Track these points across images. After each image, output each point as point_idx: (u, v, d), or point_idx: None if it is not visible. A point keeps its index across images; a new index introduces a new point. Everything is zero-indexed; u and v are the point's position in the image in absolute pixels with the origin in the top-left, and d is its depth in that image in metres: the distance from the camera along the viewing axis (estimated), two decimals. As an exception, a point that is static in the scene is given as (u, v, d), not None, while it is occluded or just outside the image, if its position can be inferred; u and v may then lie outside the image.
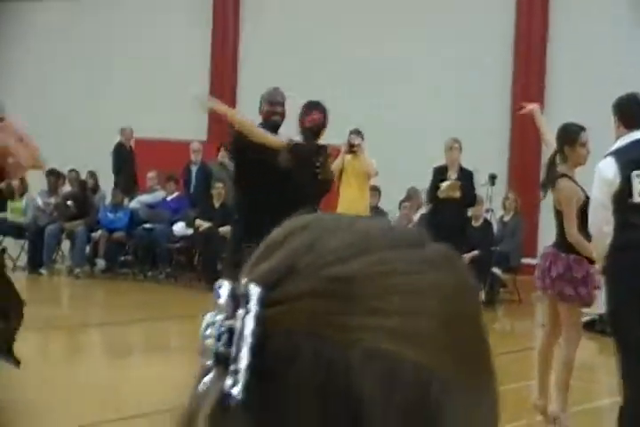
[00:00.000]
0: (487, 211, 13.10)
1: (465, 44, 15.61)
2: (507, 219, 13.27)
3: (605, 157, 5.63)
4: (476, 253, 12.26)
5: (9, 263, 14.15)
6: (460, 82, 15.59)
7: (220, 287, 0.68)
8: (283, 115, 7.12)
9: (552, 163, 6.40)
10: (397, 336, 0.67)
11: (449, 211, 10.90)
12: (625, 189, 5.49)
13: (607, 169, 5.52)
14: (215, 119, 17.70)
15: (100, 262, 13.99)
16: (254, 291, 0.67)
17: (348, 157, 10.66)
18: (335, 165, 9.43)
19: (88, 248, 14.07)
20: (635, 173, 5.49)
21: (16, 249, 14.28)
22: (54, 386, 7.07)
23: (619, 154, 5.57)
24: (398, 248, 0.71)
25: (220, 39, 17.88)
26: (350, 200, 10.33)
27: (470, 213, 12.10)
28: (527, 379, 7.59)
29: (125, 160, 15.66)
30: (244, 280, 0.68)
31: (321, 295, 0.67)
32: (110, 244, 14.00)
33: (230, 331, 0.66)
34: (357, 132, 11.20)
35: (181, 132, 17.18)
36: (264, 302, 0.66)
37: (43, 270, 13.71)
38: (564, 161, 6.33)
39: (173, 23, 17.98)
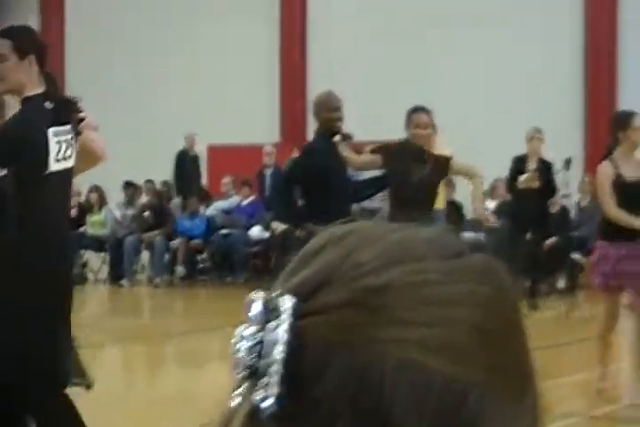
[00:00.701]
0: (564, 196, 12.87)
1: (538, 35, 15.41)
2: (584, 203, 13.02)
3: None
4: (554, 239, 12.07)
5: (90, 277, 14.42)
6: (532, 62, 15.38)
7: (251, 300, 0.68)
8: (342, 120, 6.95)
9: (609, 150, 6.50)
10: (428, 347, 0.67)
11: (529, 201, 10.84)
12: None
13: None
14: (287, 120, 17.78)
15: (180, 270, 14.12)
16: (288, 302, 0.67)
17: None
18: None
19: (167, 257, 14.22)
20: None
21: (97, 262, 14.52)
22: (136, 397, 7.15)
23: None
24: (433, 258, 0.70)
25: (288, 38, 17.88)
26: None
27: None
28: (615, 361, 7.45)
29: (189, 167, 15.72)
30: (277, 291, 0.69)
31: (354, 306, 0.67)
32: (188, 251, 14.13)
33: (262, 343, 0.67)
34: None
35: (253, 135, 17.25)
36: (298, 314, 0.67)
37: (124, 282, 13.90)
38: (617, 145, 6.47)
39: (239, 25, 18.03)
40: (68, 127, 4.42)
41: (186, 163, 15.74)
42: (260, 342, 0.66)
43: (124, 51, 19.23)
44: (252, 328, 0.67)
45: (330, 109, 6.81)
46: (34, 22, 19.46)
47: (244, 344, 0.67)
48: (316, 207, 6.72)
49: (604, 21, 15.14)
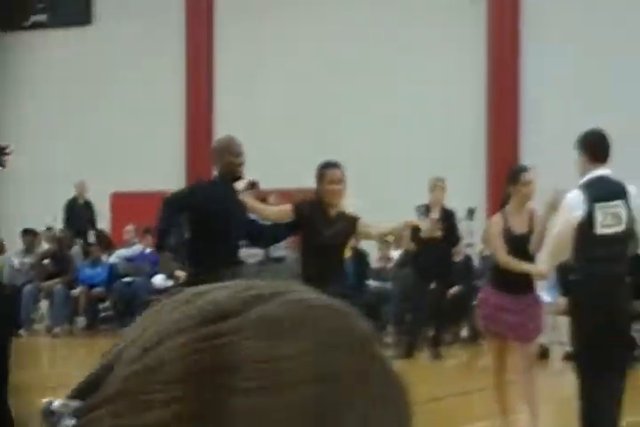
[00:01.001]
0: (467, 245, 13.01)
1: (442, 83, 15.68)
2: (487, 253, 13.15)
3: (575, 189, 6.05)
4: (457, 288, 12.17)
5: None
6: (436, 114, 15.61)
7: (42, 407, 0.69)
8: (243, 165, 6.92)
9: (502, 203, 6.74)
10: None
11: (432, 250, 10.92)
12: (589, 221, 5.91)
13: (573, 201, 5.95)
14: (193, 167, 17.68)
15: (80, 320, 13.83)
16: (66, 406, 0.68)
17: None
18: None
19: (67, 306, 13.93)
20: (597, 205, 5.92)
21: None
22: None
23: (585, 187, 5.98)
24: (198, 328, 0.66)
25: (195, 87, 17.87)
26: None
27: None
28: (516, 412, 7.46)
29: (81, 214, 15.55)
30: (65, 398, 0.69)
31: (121, 397, 0.66)
32: (90, 300, 13.87)
33: None
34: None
35: (159, 183, 17.10)
36: (77, 414, 0.67)
37: (21, 332, 13.53)
38: (508, 199, 6.73)
39: (146, 74, 17.96)
40: None
41: (75, 210, 15.58)
42: None
43: (32, 95, 18.99)
44: None
45: (232, 154, 6.80)
46: None
47: None
48: (199, 250, 6.69)
49: (507, 75, 15.47)
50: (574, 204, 5.91)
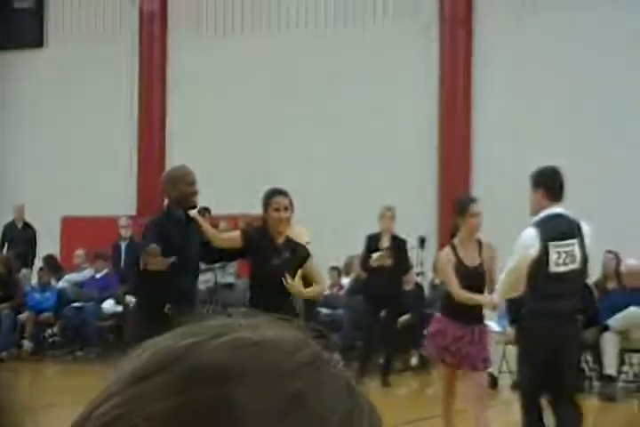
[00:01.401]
0: (418, 274, 13.07)
1: (393, 113, 15.80)
2: (437, 281, 13.24)
3: (529, 227, 6.12)
4: (408, 316, 12.21)
5: None
6: (388, 141, 15.73)
7: None
8: (198, 194, 6.86)
9: (451, 234, 6.75)
10: None
11: (382, 279, 10.98)
12: (543, 259, 5.95)
13: (528, 238, 6.00)
14: (144, 192, 17.62)
15: (27, 345, 13.65)
16: None
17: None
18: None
19: (15, 330, 13.75)
20: (552, 244, 5.94)
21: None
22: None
23: (541, 225, 6.01)
24: (131, 385, 0.67)
25: (146, 112, 17.85)
26: None
27: (401, 276, 12.08)
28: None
29: (19, 238, 15.45)
30: None
31: None
32: (38, 325, 13.70)
33: None
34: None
35: (109, 208, 17.02)
36: None
37: (-33, 356, 13.34)
38: (457, 230, 6.72)
39: (99, 99, 17.91)
40: None
41: (13, 234, 15.45)
42: None
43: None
44: None
45: (187, 183, 6.76)
46: None
47: None
48: (157, 281, 6.62)
49: (458, 103, 15.66)
50: (529, 241, 5.94)
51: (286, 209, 6.57)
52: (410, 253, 12.09)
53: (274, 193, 6.66)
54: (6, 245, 15.65)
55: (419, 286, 12.93)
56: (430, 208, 15.40)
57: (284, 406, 0.66)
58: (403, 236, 11.54)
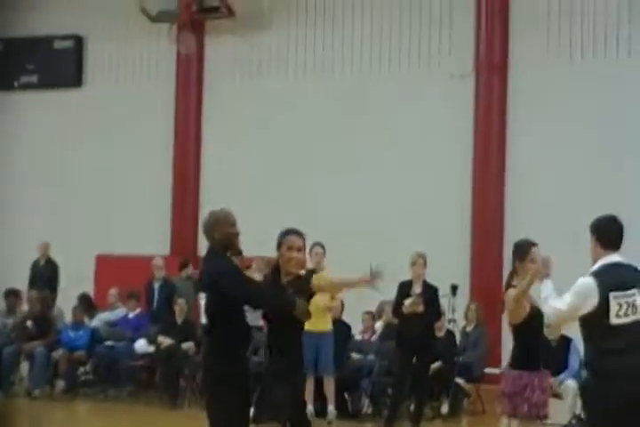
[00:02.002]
0: (450, 321, 13.09)
1: (426, 162, 15.88)
2: (469, 329, 13.27)
3: (586, 275, 5.87)
4: (439, 364, 12.21)
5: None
6: (422, 191, 15.80)
7: None
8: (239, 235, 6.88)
9: (508, 280, 6.63)
10: None
11: (414, 325, 11.02)
12: (602, 311, 5.70)
13: (586, 287, 5.76)
14: (177, 233, 17.76)
15: (60, 383, 13.74)
16: None
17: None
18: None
19: (48, 368, 13.84)
20: (612, 294, 5.72)
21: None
22: None
23: (599, 275, 5.81)
24: None
25: (181, 151, 18.03)
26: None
27: (433, 323, 12.10)
28: None
29: (44, 275, 15.61)
30: None
31: None
32: (71, 363, 13.80)
33: None
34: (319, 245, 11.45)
35: (143, 247, 17.16)
36: None
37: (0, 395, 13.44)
38: (516, 275, 6.56)
39: (133, 137, 18.14)
40: None
41: (37, 271, 15.61)
42: None
43: (20, 153, 19.11)
44: None
45: (230, 224, 6.69)
46: None
47: None
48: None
49: (492, 155, 15.72)
50: (586, 291, 5.74)
51: (299, 250, 6.45)
52: (441, 301, 12.12)
53: (289, 232, 6.56)
54: (31, 283, 15.77)
55: (450, 334, 12.93)
56: (463, 256, 15.42)
57: None
58: (434, 283, 11.59)
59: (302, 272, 6.45)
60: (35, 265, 16.05)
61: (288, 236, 6.49)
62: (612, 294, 5.69)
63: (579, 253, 6.81)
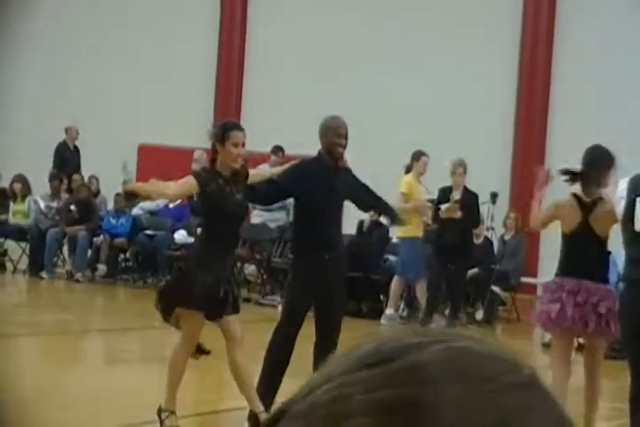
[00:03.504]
0: (488, 229, 13.13)
1: (471, 58, 15.68)
2: (507, 238, 13.31)
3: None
4: (476, 270, 12.31)
5: (9, 266, 14.24)
6: (463, 99, 15.65)
7: None
8: (345, 147, 6.86)
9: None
10: None
11: (452, 230, 11.05)
12: (629, 214, 5.56)
13: (620, 188, 5.74)
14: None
15: (101, 268, 14.01)
16: None
17: None
18: None
19: (89, 253, 14.10)
20: (638, 199, 5.54)
21: (17, 252, 14.32)
22: (51, 392, 7.09)
23: (632, 180, 5.70)
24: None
25: (227, 43, 17.91)
26: None
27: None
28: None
29: (66, 160, 15.49)
30: None
31: None
32: (112, 249, 14.03)
33: None
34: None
35: (186, 138, 17.21)
36: None
37: (44, 274, 13.73)
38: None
39: (178, 26, 18.01)
40: None
41: (65, 155, 15.47)
42: None
43: (55, 43, 19.05)
44: None
45: (339, 135, 6.70)
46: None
47: None
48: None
49: (540, 61, 15.49)
50: (621, 195, 5.63)
51: (243, 145, 6.32)
52: (481, 208, 12.15)
53: (233, 127, 6.37)
54: (58, 166, 15.55)
55: (488, 241, 12.99)
56: (504, 163, 15.37)
57: (486, 424, 0.67)
58: (475, 189, 11.60)
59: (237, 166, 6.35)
60: (63, 148, 15.74)
61: (232, 131, 6.29)
62: (638, 199, 5.53)
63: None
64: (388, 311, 11.77)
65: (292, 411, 0.70)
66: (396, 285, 11.80)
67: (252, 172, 6.74)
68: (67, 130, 15.57)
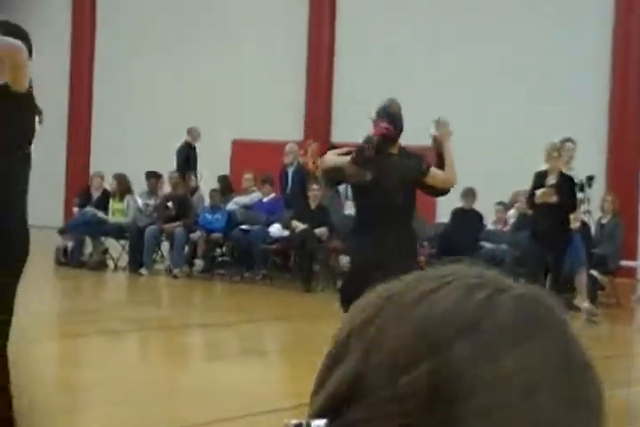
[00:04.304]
0: (585, 213, 12.92)
1: (564, 49, 15.45)
2: (605, 221, 13.09)
3: None
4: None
5: (110, 264, 14.56)
6: (558, 82, 15.43)
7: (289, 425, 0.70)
8: (401, 128, 6.89)
9: None
10: None
11: (548, 216, 10.89)
12: None
13: None
14: (311, 118, 17.86)
15: (198, 263, 14.21)
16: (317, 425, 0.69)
17: None
18: None
19: (186, 249, 14.32)
20: None
21: (117, 250, 14.63)
22: (152, 387, 7.24)
23: None
24: (455, 342, 0.68)
25: (316, 35, 17.95)
26: None
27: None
28: (628, 385, 7.47)
29: (189, 160, 15.69)
30: (308, 415, 0.71)
31: (384, 417, 0.66)
32: (208, 245, 14.22)
33: None
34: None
35: (278, 132, 17.34)
36: None
37: (143, 271, 14.00)
38: None
39: (269, 20, 18.13)
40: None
41: (190, 155, 15.74)
42: None
43: (150, 45, 19.35)
44: None
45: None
46: (66, 19, 19.59)
47: None
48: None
49: (633, 46, 15.17)
50: None
51: None
52: (577, 191, 11.95)
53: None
54: (184, 166, 15.85)
55: (586, 225, 12.78)
56: (601, 147, 15.12)
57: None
58: (572, 173, 11.42)
59: None
60: (186, 149, 15.85)
61: None
62: None
63: None
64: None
65: (365, 402, 0.69)
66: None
67: None
68: (189, 131, 15.83)
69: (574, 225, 12.25)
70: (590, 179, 13.17)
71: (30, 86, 4.55)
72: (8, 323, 4.54)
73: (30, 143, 4.64)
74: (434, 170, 6.81)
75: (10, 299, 4.54)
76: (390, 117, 6.75)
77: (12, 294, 4.54)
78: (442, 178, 6.81)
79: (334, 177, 7.08)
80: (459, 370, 0.66)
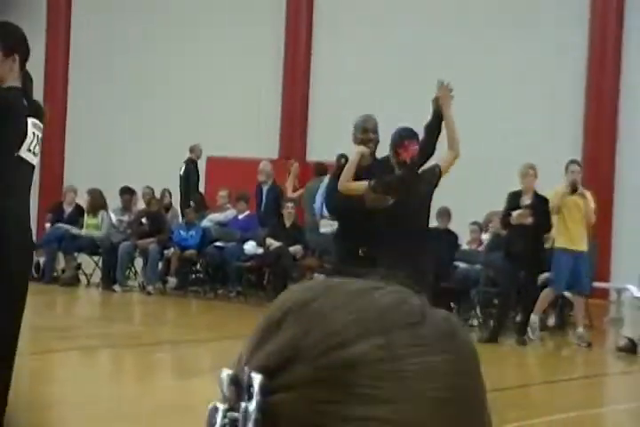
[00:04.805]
0: (559, 233, 12.95)
1: (539, 75, 15.59)
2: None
3: None
4: (547, 275, 12.15)
5: (83, 279, 14.46)
6: (535, 104, 15.55)
7: (221, 377, 0.70)
8: (376, 142, 7.15)
9: None
10: (390, 425, 0.68)
11: (523, 237, 10.94)
12: None
13: None
14: (287, 137, 17.86)
15: (172, 280, 14.14)
16: (256, 380, 0.69)
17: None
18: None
19: (160, 265, 14.24)
20: None
21: (90, 266, 14.54)
22: (124, 403, 7.17)
23: None
24: (397, 329, 0.71)
25: (292, 53, 17.98)
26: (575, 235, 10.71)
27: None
28: (599, 406, 7.48)
29: (194, 177, 15.85)
30: (245, 368, 0.70)
31: (321, 383, 0.69)
32: (182, 262, 14.16)
33: (235, 422, 0.68)
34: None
35: (253, 149, 17.33)
36: (266, 391, 0.68)
37: (116, 287, 13.91)
38: None
39: (244, 37, 18.15)
40: (41, 125, 4.58)
41: (193, 173, 15.87)
42: (234, 421, 0.68)
43: (126, 54, 19.34)
44: (224, 406, 0.69)
45: (365, 130, 7.12)
46: (41, 22, 19.54)
47: (218, 421, 0.69)
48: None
49: (608, 63, 15.31)
50: None
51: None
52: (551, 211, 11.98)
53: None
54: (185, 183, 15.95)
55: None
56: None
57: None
58: (545, 193, 11.48)
59: None
60: (192, 166, 16.01)
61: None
62: None
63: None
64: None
65: (306, 364, 0.71)
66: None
67: None
68: (191, 149, 15.93)
69: (548, 245, 12.29)
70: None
71: (16, 88, 4.49)
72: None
73: (19, 147, 4.52)
74: (442, 164, 7.14)
75: None
76: (417, 139, 6.98)
77: None
78: (450, 162, 7.14)
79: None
80: (389, 356, 0.69)
